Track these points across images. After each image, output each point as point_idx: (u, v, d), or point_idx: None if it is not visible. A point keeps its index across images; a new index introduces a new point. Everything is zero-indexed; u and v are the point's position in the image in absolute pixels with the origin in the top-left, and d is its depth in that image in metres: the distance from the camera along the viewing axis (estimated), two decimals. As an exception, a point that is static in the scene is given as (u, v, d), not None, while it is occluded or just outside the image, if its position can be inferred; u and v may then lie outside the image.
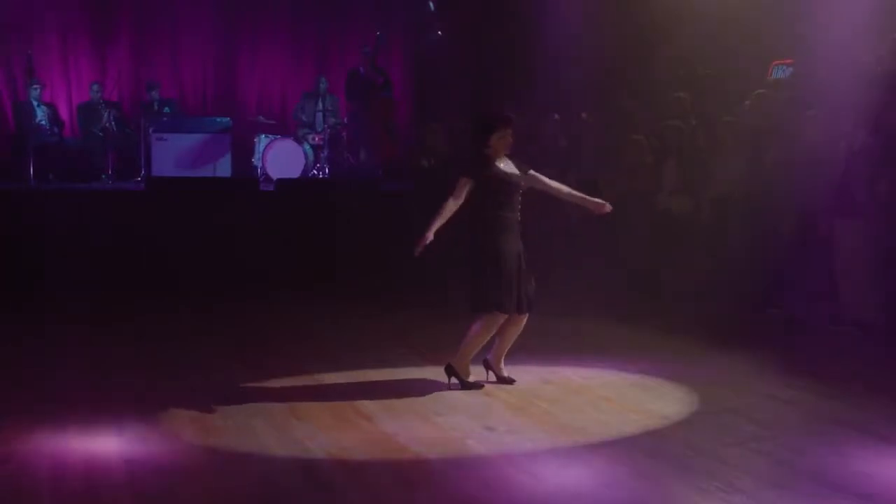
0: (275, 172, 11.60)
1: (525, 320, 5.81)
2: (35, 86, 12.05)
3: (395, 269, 9.58)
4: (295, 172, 11.77)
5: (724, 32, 9.83)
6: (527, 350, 6.01)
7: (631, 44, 10.68)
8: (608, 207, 5.88)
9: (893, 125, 7.06)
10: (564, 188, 5.98)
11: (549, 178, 5.95)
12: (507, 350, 5.87)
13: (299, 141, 12.29)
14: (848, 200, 7.17)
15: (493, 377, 5.86)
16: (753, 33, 9.64)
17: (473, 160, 5.72)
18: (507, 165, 5.74)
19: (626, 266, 8.96)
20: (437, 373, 6.06)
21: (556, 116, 10.36)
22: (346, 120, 12.72)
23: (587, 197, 5.96)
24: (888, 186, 6.94)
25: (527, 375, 5.90)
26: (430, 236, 5.53)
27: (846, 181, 7.21)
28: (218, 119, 12.45)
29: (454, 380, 5.76)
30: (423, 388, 5.75)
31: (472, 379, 5.77)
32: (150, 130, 11.89)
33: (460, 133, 9.93)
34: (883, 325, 6.96)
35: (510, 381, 5.82)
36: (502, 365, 5.89)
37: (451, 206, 5.62)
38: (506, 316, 5.68)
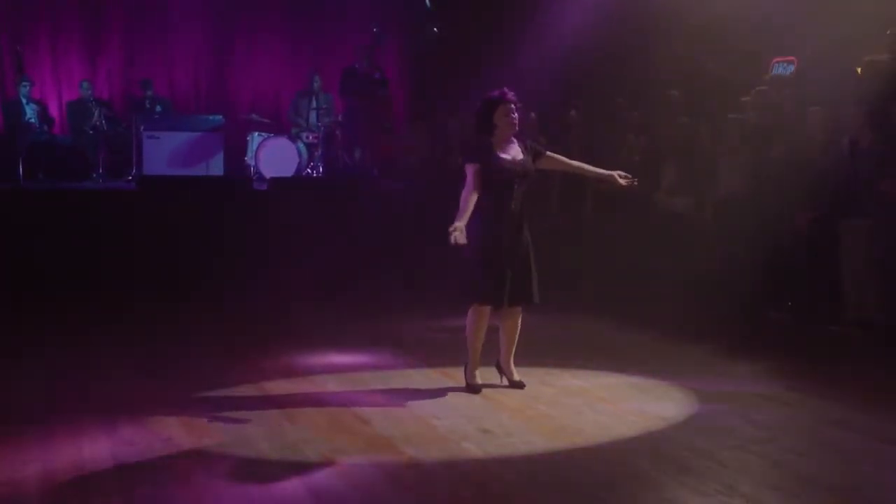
0: (268, 171, 11.53)
1: (519, 317, 5.73)
2: (24, 83, 11.96)
3: (392, 270, 9.57)
4: (288, 171, 11.69)
5: (726, 28, 9.76)
6: (524, 352, 5.95)
7: (627, 41, 10.62)
8: (623, 180, 5.73)
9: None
10: (585, 165, 5.97)
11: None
12: (512, 350, 5.78)
13: (293, 139, 12.22)
14: (853, 200, 7.12)
15: (506, 381, 5.78)
16: (755, 30, 9.58)
17: (475, 145, 5.59)
18: (512, 150, 5.57)
19: (624, 267, 8.90)
20: (434, 375, 6.02)
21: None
22: (340, 118, 12.64)
23: (603, 171, 5.88)
24: (894, 185, 6.88)
25: (525, 377, 5.83)
26: (462, 228, 5.25)
27: (851, 180, 7.16)
28: (210, 117, 12.37)
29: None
30: (419, 390, 5.69)
31: (478, 381, 5.69)
32: (142, 128, 11.80)
33: (461, 128, 9.82)
34: (886, 326, 6.92)
35: (520, 386, 5.72)
36: (512, 368, 5.79)
37: (474, 197, 5.41)
38: (488, 307, 5.60)
